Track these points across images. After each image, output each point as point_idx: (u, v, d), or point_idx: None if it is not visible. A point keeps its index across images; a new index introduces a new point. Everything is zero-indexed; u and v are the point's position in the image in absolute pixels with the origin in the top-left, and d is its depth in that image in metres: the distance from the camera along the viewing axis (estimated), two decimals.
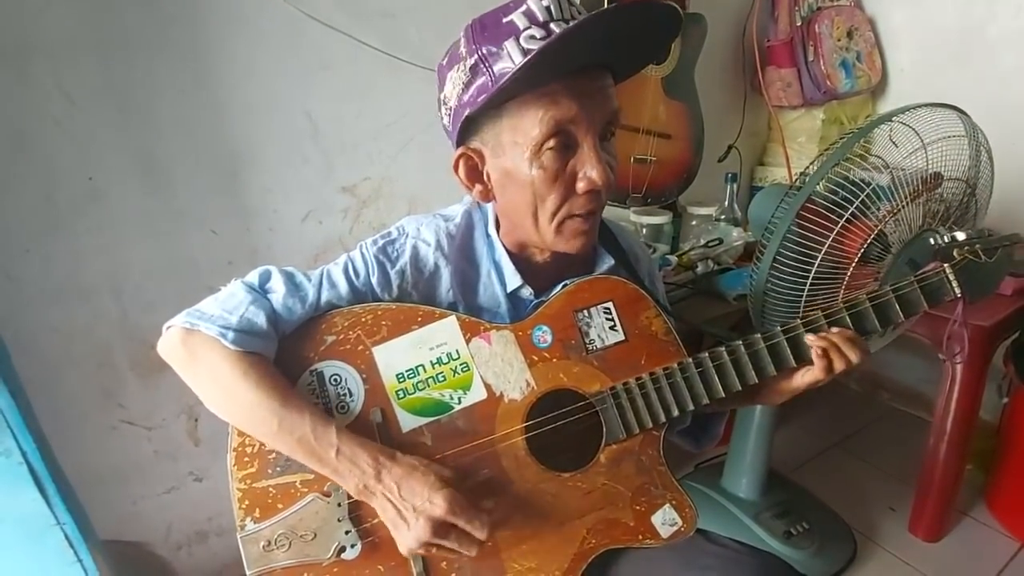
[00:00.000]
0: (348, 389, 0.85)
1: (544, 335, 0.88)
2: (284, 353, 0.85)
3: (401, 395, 0.85)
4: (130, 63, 1.28)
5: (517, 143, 0.80)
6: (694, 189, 1.96)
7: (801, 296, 1.21)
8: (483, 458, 0.85)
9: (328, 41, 1.46)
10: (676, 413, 0.88)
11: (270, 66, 1.42)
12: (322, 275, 0.88)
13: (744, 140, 2.27)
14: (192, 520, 1.60)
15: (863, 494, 2.01)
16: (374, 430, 0.83)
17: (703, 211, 1.99)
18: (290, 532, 0.81)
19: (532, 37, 0.75)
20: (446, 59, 0.84)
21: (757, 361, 0.88)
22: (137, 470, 1.49)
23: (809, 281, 1.19)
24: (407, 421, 0.85)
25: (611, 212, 0.94)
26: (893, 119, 1.19)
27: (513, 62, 0.75)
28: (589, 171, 0.80)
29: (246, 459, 0.82)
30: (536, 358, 0.88)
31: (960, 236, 0.90)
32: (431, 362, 0.86)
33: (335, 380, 0.85)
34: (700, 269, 1.72)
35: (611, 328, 0.89)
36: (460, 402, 0.86)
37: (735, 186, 1.98)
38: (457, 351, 0.86)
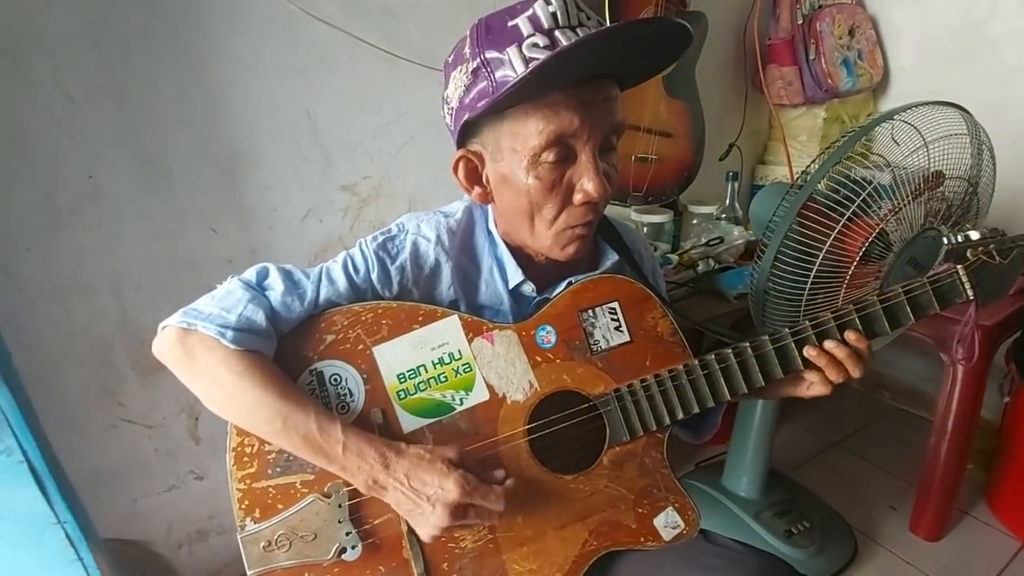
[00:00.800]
0: (348, 389, 0.84)
1: (548, 335, 0.88)
2: (283, 352, 0.84)
3: (402, 396, 0.85)
4: (130, 62, 1.27)
5: (516, 150, 0.79)
6: (695, 188, 1.95)
7: (802, 295, 1.20)
8: (485, 460, 0.85)
9: (328, 39, 1.45)
10: (681, 416, 0.87)
11: (270, 64, 1.42)
12: (321, 272, 0.88)
13: (745, 138, 2.27)
14: (193, 518, 1.60)
15: (864, 493, 2.01)
16: (375, 431, 0.83)
17: (704, 210, 1.99)
18: (291, 532, 0.81)
19: (535, 45, 0.74)
20: (452, 57, 0.83)
21: (764, 364, 0.88)
22: (138, 468, 1.49)
23: (810, 280, 1.19)
24: (408, 422, 0.84)
25: (612, 211, 0.94)
26: (895, 117, 1.19)
27: (514, 70, 0.74)
28: (586, 184, 0.80)
29: (245, 459, 0.82)
30: (540, 359, 0.87)
31: (974, 236, 0.88)
32: (433, 362, 0.85)
33: (335, 380, 0.84)
34: (701, 268, 1.71)
35: (616, 329, 0.89)
36: (462, 403, 0.85)
37: (736, 185, 1.98)
38: (459, 351, 0.86)
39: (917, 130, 1.17)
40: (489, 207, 0.95)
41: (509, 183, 0.82)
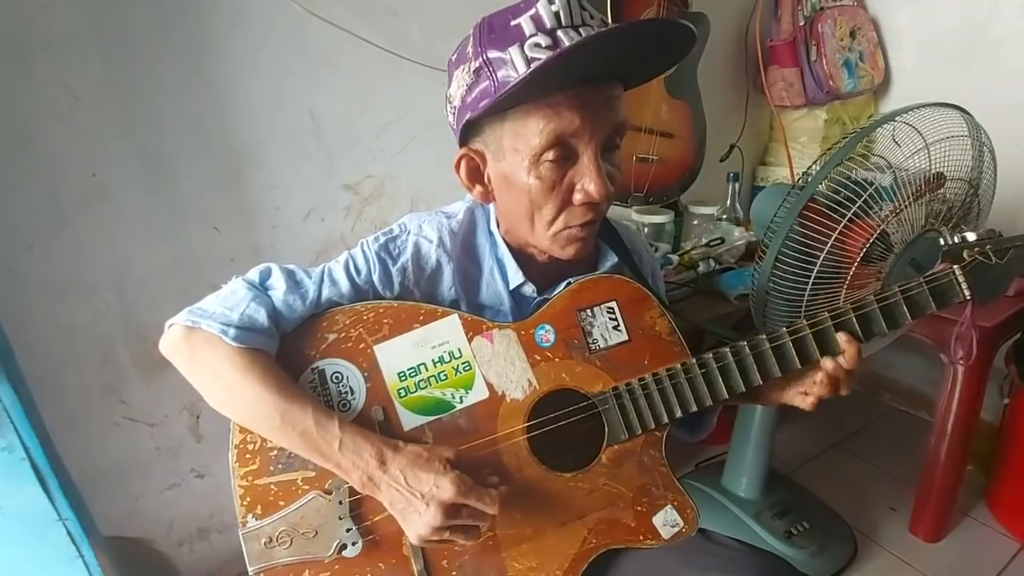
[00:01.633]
0: (350, 387, 0.85)
1: (547, 334, 0.88)
2: (285, 351, 0.85)
3: (403, 393, 0.85)
4: (134, 60, 1.28)
5: (517, 150, 0.79)
6: (696, 188, 1.95)
7: (803, 296, 1.21)
8: (485, 457, 0.85)
9: (331, 39, 1.46)
10: (679, 414, 0.87)
11: (273, 63, 1.43)
12: (323, 272, 0.88)
13: (746, 139, 2.27)
14: (194, 516, 1.61)
15: (864, 494, 2.02)
16: (376, 428, 0.83)
17: (705, 210, 1.99)
18: (291, 529, 0.82)
19: (537, 45, 0.74)
20: (455, 55, 0.83)
21: (762, 363, 0.88)
22: (139, 466, 1.49)
23: (811, 281, 1.19)
24: (409, 420, 0.85)
25: (613, 211, 0.94)
26: (896, 119, 1.19)
27: (516, 70, 0.74)
28: (587, 184, 0.80)
29: (247, 456, 0.82)
30: (539, 357, 0.88)
31: (970, 236, 0.88)
32: (433, 361, 0.86)
33: (336, 378, 0.85)
34: (702, 268, 1.71)
35: (614, 328, 0.89)
36: (462, 401, 0.86)
37: (737, 185, 1.98)
38: (459, 350, 0.86)
39: (918, 132, 1.17)
40: (491, 207, 0.95)
41: (510, 182, 0.83)
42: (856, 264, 1.19)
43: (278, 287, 0.85)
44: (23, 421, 0.98)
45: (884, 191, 1.17)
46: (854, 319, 0.87)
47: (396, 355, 0.86)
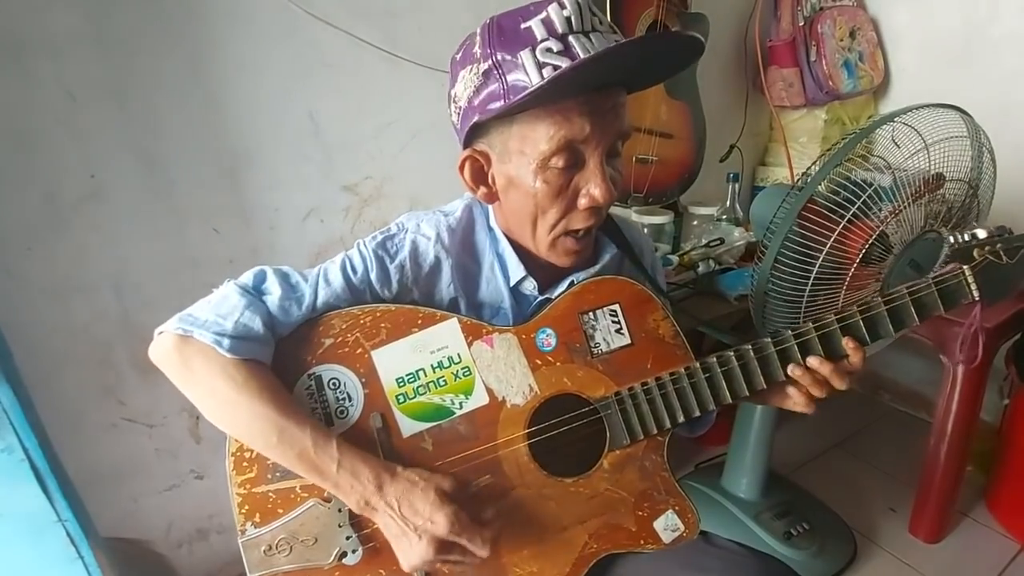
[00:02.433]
0: (347, 393, 0.84)
1: (548, 338, 0.87)
2: (281, 356, 0.83)
3: (401, 400, 0.84)
4: (132, 61, 1.28)
5: (524, 153, 0.79)
6: (696, 189, 1.96)
7: (802, 296, 1.21)
8: (485, 464, 0.85)
9: (330, 40, 1.46)
10: (682, 419, 0.87)
11: (272, 64, 1.42)
12: (319, 274, 0.87)
13: (746, 140, 2.27)
14: (193, 518, 1.60)
15: (863, 495, 2.02)
16: (374, 435, 0.83)
17: (704, 211, 1.99)
18: (291, 537, 0.81)
19: (549, 50, 0.73)
20: (459, 54, 0.82)
21: (766, 366, 0.87)
22: (138, 467, 1.49)
23: (810, 281, 1.19)
24: (407, 426, 0.84)
25: (613, 211, 0.94)
26: (895, 120, 1.19)
27: (528, 75, 0.73)
28: (593, 189, 0.80)
29: (244, 464, 0.82)
30: (539, 362, 0.87)
31: (981, 234, 0.85)
32: (432, 366, 0.85)
33: (334, 384, 0.84)
34: (701, 269, 1.71)
35: (617, 331, 0.88)
36: (461, 407, 0.85)
37: (737, 186, 1.98)
38: (459, 355, 0.86)
39: (918, 132, 1.18)
40: (490, 205, 0.94)
41: (516, 185, 0.82)
42: (855, 265, 1.19)
43: (273, 292, 0.83)
44: (22, 422, 0.98)
45: (883, 192, 1.17)
46: (860, 321, 0.85)
47: (394, 360, 0.85)
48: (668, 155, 1.84)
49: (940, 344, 1.61)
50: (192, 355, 0.79)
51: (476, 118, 0.79)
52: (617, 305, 0.89)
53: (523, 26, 0.75)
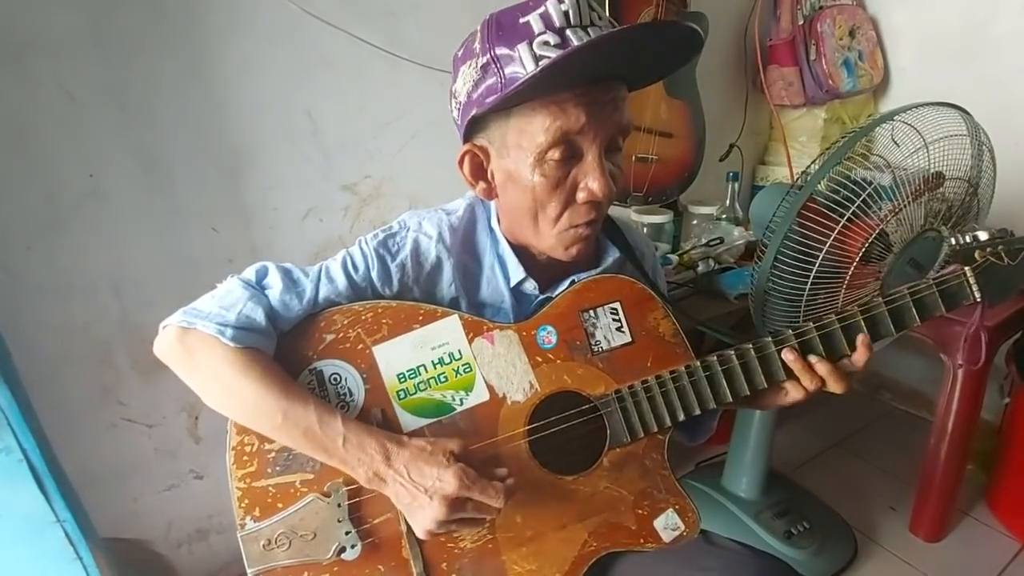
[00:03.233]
0: (348, 389, 0.84)
1: (548, 336, 0.88)
2: (283, 351, 0.84)
3: (402, 395, 0.85)
4: (131, 61, 1.27)
5: (522, 147, 0.79)
6: (695, 188, 1.95)
7: (802, 295, 1.21)
8: (485, 461, 0.84)
9: (329, 39, 1.45)
10: (682, 418, 0.87)
11: (271, 63, 1.42)
12: (320, 271, 0.87)
13: (746, 139, 2.27)
14: (192, 518, 1.60)
15: (864, 494, 2.01)
16: None
17: (704, 210, 1.99)
18: (290, 532, 0.81)
19: (546, 43, 0.73)
20: (461, 51, 0.83)
21: (767, 365, 0.87)
22: (137, 467, 1.49)
23: (810, 280, 1.19)
24: (408, 422, 0.84)
25: (612, 211, 0.94)
26: (895, 118, 1.19)
27: (524, 68, 0.74)
28: (591, 183, 0.80)
29: (245, 458, 0.82)
30: (540, 359, 0.87)
31: (982, 236, 0.86)
32: (433, 362, 0.85)
33: (335, 379, 0.84)
34: (701, 268, 1.71)
35: (617, 329, 0.89)
36: (462, 403, 0.85)
37: (736, 185, 1.98)
38: (459, 351, 0.86)
39: (917, 131, 1.18)
40: (492, 205, 0.94)
41: (514, 179, 0.82)
42: (855, 264, 1.19)
43: (275, 286, 0.84)
44: (20, 422, 0.98)
45: (883, 190, 1.17)
46: (862, 321, 0.86)
47: (395, 356, 0.85)
48: (668, 154, 1.84)
49: (941, 343, 1.61)
50: (195, 345, 0.80)
51: (475, 111, 0.80)
52: (618, 303, 0.90)
53: (521, 21, 0.75)
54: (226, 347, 0.78)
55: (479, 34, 0.79)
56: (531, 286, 0.92)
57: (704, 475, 1.97)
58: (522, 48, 0.74)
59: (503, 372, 0.86)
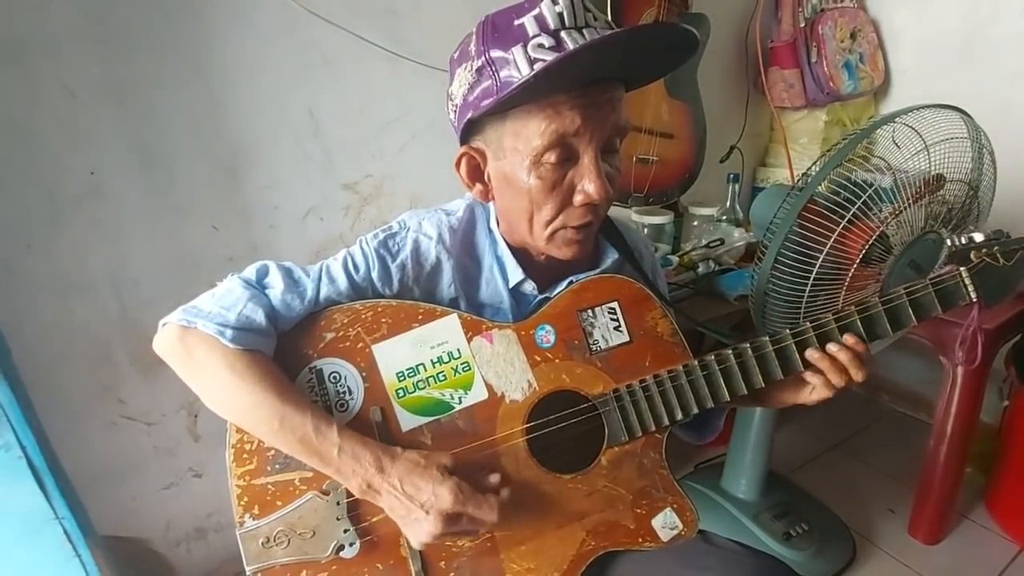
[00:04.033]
0: (348, 387, 0.84)
1: (547, 335, 0.88)
2: (283, 350, 0.84)
3: (401, 394, 0.85)
4: (132, 58, 1.28)
5: (518, 149, 0.79)
6: (696, 189, 1.96)
7: (802, 297, 1.21)
8: (483, 459, 0.85)
9: (331, 38, 1.46)
10: (680, 417, 0.87)
11: (272, 62, 1.42)
12: (321, 270, 0.87)
13: (746, 141, 2.27)
14: (191, 516, 1.60)
15: (863, 496, 2.01)
16: (374, 429, 0.83)
17: (705, 211, 1.99)
18: (289, 529, 0.81)
19: (540, 46, 0.73)
20: (458, 53, 0.83)
21: (764, 365, 0.87)
22: (136, 466, 1.49)
23: (810, 282, 1.19)
24: (407, 420, 0.84)
25: (613, 212, 0.94)
26: (896, 120, 1.19)
27: (519, 71, 0.74)
28: (587, 185, 0.79)
29: (244, 456, 0.82)
30: (539, 358, 0.87)
31: (978, 238, 0.87)
32: (432, 361, 0.85)
33: (334, 378, 0.84)
34: (701, 269, 1.72)
35: (615, 329, 0.89)
36: (461, 402, 0.85)
37: (737, 186, 1.98)
38: (458, 350, 0.86)
39: (918, 133, 1.18)
40: (491, 205, 0.94)
41: (510, 182, 0.82)
42: (855, 265, 1.19)
43: (276, 286, 0.84)
44: (20, 420, 0.98)
45: (884, 192, 1.17)
46: (858, 321, 0.86)
47: (394, 355, 0.85)
48: (668, 155, 1.84)
49: (940, 345, 1.61)
50: (195, 345, 0.79)
51: (470, 114, 0.80)
52: (615, 303, 0.90)
53: (516, 23, 0.75)
54: (226, 348, 0.78)
55: (475, 36, 0.79)
56: (530, 287, 0.92)
57: (703, 476, 1.97)
58: (517, 51, 0.74)
59: (502, 371, 0.86)
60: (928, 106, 1.18)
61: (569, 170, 0.80)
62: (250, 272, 0.86)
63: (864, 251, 1.18)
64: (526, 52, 0.74)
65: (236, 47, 1.38)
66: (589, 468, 0.88)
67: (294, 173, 1.51)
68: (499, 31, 0.76)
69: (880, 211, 1.17)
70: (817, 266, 1.17)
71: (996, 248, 0.86)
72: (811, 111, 2.24)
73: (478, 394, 0.86)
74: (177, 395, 1.49)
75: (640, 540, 0.88)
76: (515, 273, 0.91)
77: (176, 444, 1.53)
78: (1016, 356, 1.79)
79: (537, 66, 0.72)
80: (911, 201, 1.17)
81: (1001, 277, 0.86)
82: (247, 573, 0.82)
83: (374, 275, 0.88)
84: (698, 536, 0.94)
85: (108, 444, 1.43)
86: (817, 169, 1.21)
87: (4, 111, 1.19)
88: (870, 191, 1.15)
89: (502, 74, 0.75)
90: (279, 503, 0.82)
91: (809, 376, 0.90)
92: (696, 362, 0.88)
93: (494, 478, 0.81)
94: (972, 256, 0.86)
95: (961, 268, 0.86)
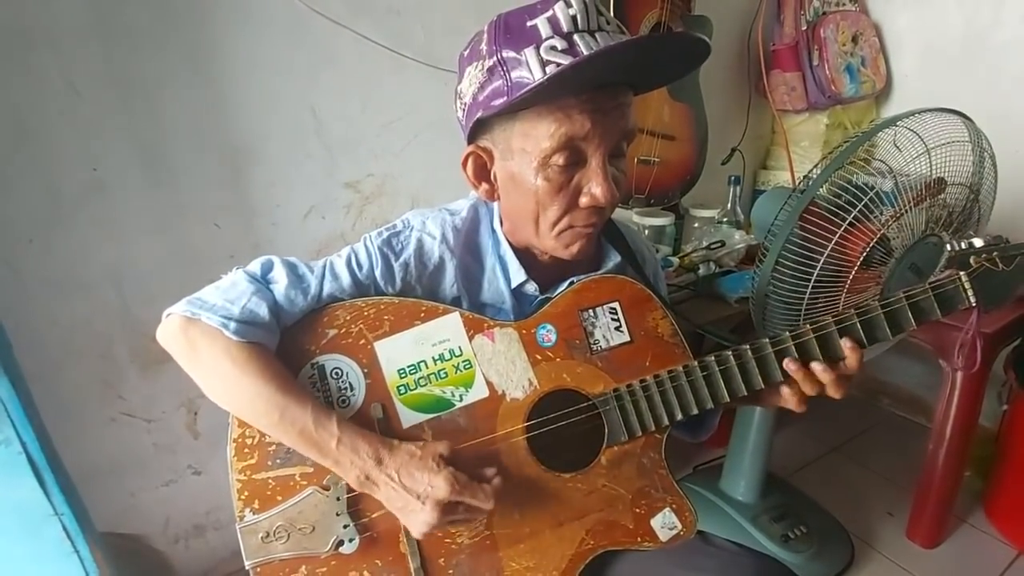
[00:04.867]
0: (349, 383, 0.84)
1: (548, 334, 0.88)
2: (285, 345, 0.84)
3: (402, 391, 0.85)
4: (135, 55, 1.28)
5: (526, 151, 0.79)
6: (697, 191, 1.96)
7: (803, 299, 1.21)
8: (484, 457, 0.85)
9: (334, 37, 1.46)
10: (679, 416, 0.87)
11: (275, 61, 1.43)
12: (325, 267, 0.88)
13: (748, 143, 2.28)
14: (190, 513, 1.60)
15: (861, 499, 2.01)
16: (375, 425, 0.83)
17: (706, 213, 1.99)
18: (289, 524, 0.81)
19: (553, 48, 0.73)
20: (467, 51, 0.83)
21: (764, 367, 0.87)
22: (136, 462, 1.49)
23: (811, 284, 1.19)
24: (408, 417, 0.85)
25: (615, 213, 0.94)
26: (897, 124, 1.19)
27: (531, 73, 0.74)
28: (594, 188, 0.80)
29: (246, 450, 0.82)
30: (540, 357, 0.87)
31: (977, 243, 0.87)
32: (433, 358, 0.86)
33: (336, 374, 0.84)
34: (702, 271, 1.72)
35: (616, 329, 0.89)
36: (462, 399, 0.86)
37: (738, 189, 1.98)
38: (460, 348, 0.86)
39: (919, 137, 1.18)
40: (494, 206, 0.95)
41: (517, 182, 0.83)
42: (856, 268, 1.19)
43: (280, 280, 0.84)
44: (20, 415, 0.98)
45: (885, 195, 1.17)
46: (858, 324, 0.86)
47: (396, 352, 0.85)
48: (670, 157, 1.84)
49: (940, 349, 1.61)
50: (198, 337, 0.80)
51: (480, 114, 0.80)
52: (616, 303, 0.90)
53: (529, 24, 0.75)
54: (229, 341, 0.78)
55: (486, 35, 0.79)
56: (532, 287, 0.92)
57: (702, 478, 1.97)
58: (529, 52, 0.74)
59: (503, 369, 0.87)
60: (930, 110, 1.19)
61: (576, 172, 0.81)
62: (255, 266, 0.86)
63: (865, 254, 1.19)
64: (539, 54, 0.74)
65: (240, 45, 1.38)
66: (589, 467, 0.88)
67: (296, 171, 1.52)
68: (512, 32, 0.76)
69: (881, 214, 1.17)
70: (818, 269, 1.17)
71: (995, 253, 0.86)
72: (812, 114, 2.24)
73: (479, 392, 0.86)
74: (177, 392, 1.49)
75: (639, 540, 0.88)
76: (517, 274, 0.92)
77: (176, 441, 1.53)
78: (1016, 361, 1.79)
79: (550, 69, 0.72)
80: (912, 204, 1.18)
81: (1000, 282, 0.86)
82: (246, 567, 0.82)
83: (377, 273, 0.88)
84: (697, 537, 0.94)
85: (108, 440, 1.44)
86: (818, 172, 1.22)
87: (8, 106, 1.19)
88: (871, 194, 1.16)
89: (513, 75, 0.76)
90: (279, 498, 0.82)
91: (783, 388, 0.90)
92: (696, 363, 0.88)
93: (490, 470, 0.81)
94: (971, 261, 0.86)
95: (960, 272, 0.86)
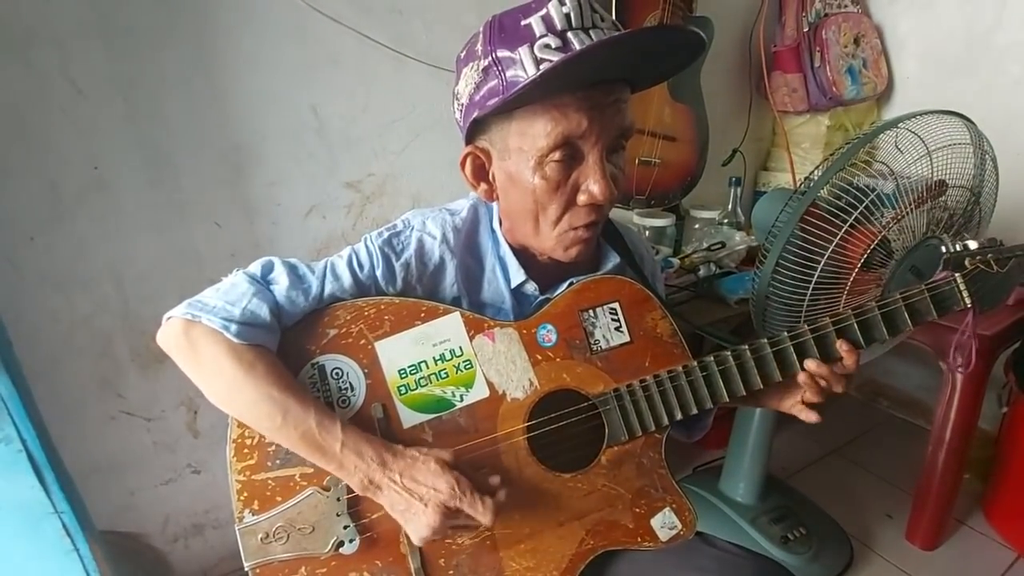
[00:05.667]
0: (350, 383, 0.84)
1: (548, 334, 0.88)
2: (286, 345, 0.84)
3: (403, 391, 0.85)
4: (137, 53, 1.28)
5: (523, 150, 0.79)
6: (698, 192, 1.96)
7: (803, 301, 1.21)
8: (484, 456, 0.85)
9: (335, 36, 1.46)
10: (679, 416, 0.88)
11: (277, 60, 1.43)
12: (326, 267, 0.87)
13: (749, 144, 2.28)
14: (189, 512, 1.60)
15: (861, 501, 2.01)
16: (375, 425, 0.83)
17: (706, 214, 1.99)
18: (288, 525, 0.81)
19: (547, 46, 0.73)
20: (464, 52, 0.83)
21: (763, 367, 0.88)
22: (135, 461, 1.49)
23: (811, 286, 1.19)
24: (408, 417, 0.84)
25: (614, 214, 0.94)
26: (898, 126, 1.19)
27: (525, 71, 0.74)
28: (592, 185, 0.80)
29: (246, 451, 0.82)
30: (540, 357, 0.87)
31: (972, 245, 0.89)
32: (434, 358, 0.86)
33: (336, 374, 0.84)
34: (702, 272, 1.72)
35: (616, 329, 0.89)
36: (462, 400, 0.86)
37: (739, 190, 1.98)
38: (460, 348, 0.86)
39: (920, 139, 1.18)
40: (494, 206, 0.95)
41: (515, 182, 0.83)
42: (856, 270, 1.19)
43: (280, 281, 0.84)
44: (21, 413, 0.98)
45: (886, 198, 1.17)
46: (855, 325, 0.87)
47: (397, 352, 0.85)
48: (671, 158, 1.84)
49: (939, 350, 1.61)
50: (199, 339, 0.79)
51: (476, 114, 0.80)
52: (616, 303, 0.90)
53: (523, 23, 0.75)
54: (230, 343, 0.78)
55: (481, 36, 0.79)
56: (531, 287, 0.92)
57: (702, 479, 1.97)
58: (523, 51, 0.74)
59: (503, 369, 0.87)
60: (931, 112, 1.18)
61: (574, 170, 0.81)
62: (255, 267, 0.86)
63: (865, 256, 1.18)
64: (532, 52, 0.74)
65: (241, 44, 1.38)
66: (589, 467, 0.88)
67: (297, 171, 1.52)
68: (506, 31, 0.76)
69: (882, 216, 1.17)
70: (818, 270, 1.17)
71: (990, 255, 0.87)
72: (813, 116, 2.24)
73: (479, 392, 0.86)
74: (177, 391, 1.49)
75: (639, 540, 0.89)
76: (517, 274, 0.92)
77: (175, 440, 1.53)
78: (1015, 363, 1.80)
79: (544, 66, 0.73)
80: (913, 206, 1.17)
81: (995, 284, 0.88)
82: (245, 569, 0.82)
83: (378, 273, 0.88)
84: (696, 537, 0.94)
85: (107, 439, 1.44)
86: (819, 173, 1.22)
87: (9, 104, 1.19)
88: (872, 196, 1.15)
89: (508, 74, 0.76)
90: (279, 499, 0.82)
91: (790, 401, 0.92)
92: (695, 363, 0.88)
93: (494, 480, 0.81)
94: (967, 263, 0.88)
95: (956, 274, 0.87)
